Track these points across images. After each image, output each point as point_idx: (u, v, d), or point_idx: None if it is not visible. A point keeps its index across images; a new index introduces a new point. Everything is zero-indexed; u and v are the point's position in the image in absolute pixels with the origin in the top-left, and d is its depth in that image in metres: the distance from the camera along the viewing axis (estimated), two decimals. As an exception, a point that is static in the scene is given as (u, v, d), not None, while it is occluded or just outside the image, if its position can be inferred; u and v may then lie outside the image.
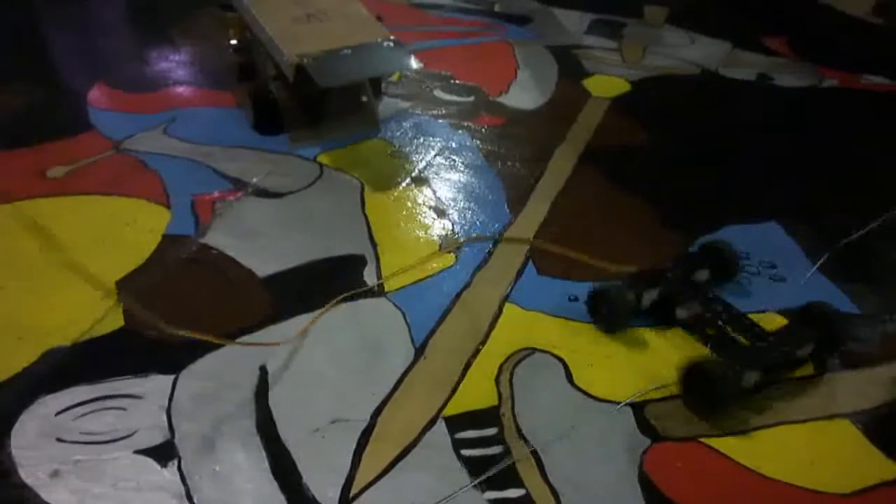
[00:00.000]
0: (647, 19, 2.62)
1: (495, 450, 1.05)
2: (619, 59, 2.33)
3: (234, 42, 1.88)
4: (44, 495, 0.97)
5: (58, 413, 1.08)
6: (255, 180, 1.64)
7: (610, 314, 1.26)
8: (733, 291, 1.38)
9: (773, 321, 1.31)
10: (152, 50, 2.26)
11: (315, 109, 1.79)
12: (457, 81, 2.15)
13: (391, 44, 1.67)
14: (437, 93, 2.08)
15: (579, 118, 1.98)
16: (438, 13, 2.63)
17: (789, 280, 1.42)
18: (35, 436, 1.05)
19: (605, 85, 2.16)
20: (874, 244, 1.54)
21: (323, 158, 1.75)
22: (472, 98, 2.05)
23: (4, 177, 1.63)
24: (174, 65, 2.18)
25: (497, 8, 2.68)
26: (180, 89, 2.05)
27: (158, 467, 1.01)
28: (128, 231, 1.49)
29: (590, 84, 2.16)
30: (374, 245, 1.47)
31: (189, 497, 0.97)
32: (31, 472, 1.00)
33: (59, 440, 1.04)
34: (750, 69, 2.29)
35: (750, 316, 1.29)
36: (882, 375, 1.22)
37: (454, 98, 2.05)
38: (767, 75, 2.24)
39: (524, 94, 2.09)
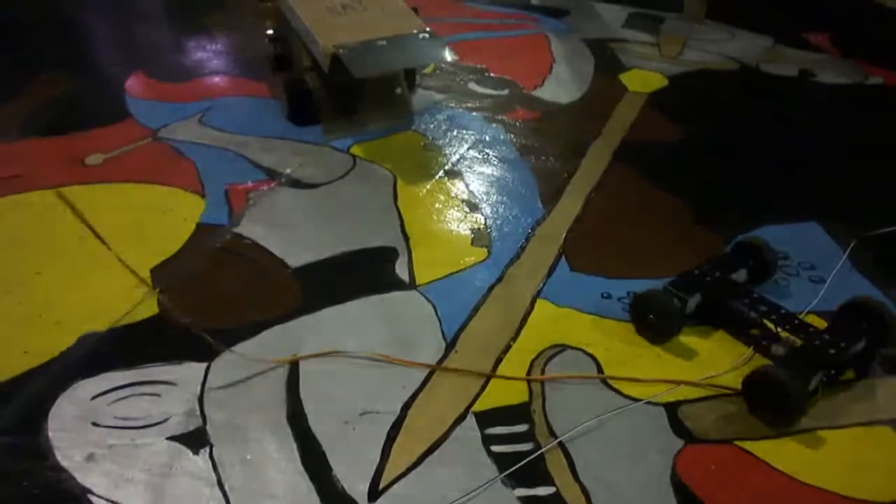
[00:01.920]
0: (687, 13, 2.57)
1: (525, 447, 1.05)
2: (657, 53, 2.30)
3: (269, 32, 1.88)
4: (79, 478, 0.98)
5: (93, 397, 1.10)
6: (288, 171, 1.65)
7: (661, 325, 1.23)
8: (771, 291, 1.35)
9: (816, 323, 1.28)
10: (189, 39, 2.29)
11: (349, 101, 1.79)
12: (491, 74, 2.13)
13: (427, 35, 1.66)
14: (472, 86, 2.07)
15: (615, 113, 1.96)
16: (474, 5, 2.61)
17: (829, 281, 1.39)
18: (72, 419, 1.06)
19: (642, 80, 2.13)
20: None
21: (356, 150, 1.75)
22: (506, 91, 2.04)
23: (44, 164, 1.66)
24: (210, 54, 2.20)
25: (534, 1, 2.66)
26: (216, 79, 2.07)
27: (191, 454, 1.02)
28: (163, 219, 1.50)
29: (626, 79, 2.13)
30: (406, 238, 1.46)
31: (220, 485, 0.98)
32: (67, 454, 1.02)
33: (94, 424, 1.06)
34: (792, 65, 2.23)
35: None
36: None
37: (488, 91, 2.04)
38: (810, 72, 2.19)
39: (559, 89, 2.07)
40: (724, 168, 1.76)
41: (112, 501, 0.95)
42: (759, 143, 1.88)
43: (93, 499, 0.96)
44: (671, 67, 2.20)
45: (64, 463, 1.00)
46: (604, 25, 2.48)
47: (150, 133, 1.79)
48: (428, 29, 1.69)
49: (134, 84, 2.02)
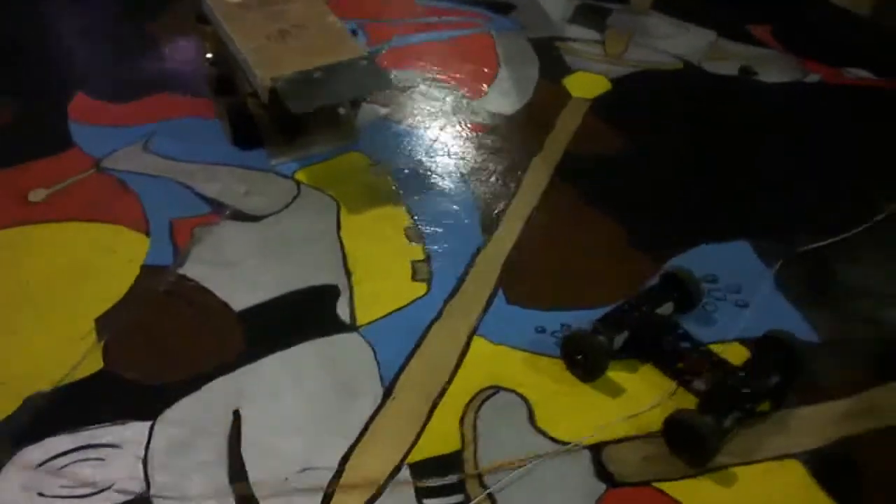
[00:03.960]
0: (633, 4, 2.58)
1: (456, 499, 1.11)
2: (602, 52, 2.31)
3: (209, 56, 1.87)
4: (28, 555, 1.03)
5: (38, 465, 1.13)
6: (231, 203, 1.66)
7: (588, 364, 1.29)
8: (698, 319, 1.41)
9: (736, 352, 1.34)
10: (133, 51, 2.25)
11: (293, 124, 1.80)
12: (436, 83, 2.14)
13: (366, 63, 1.66)
14: (416, 97, 2.08)
15: (558, 122, 1.98)
16: (423, 2, 2.59)
17: (752, 305, 1.45)
18: (18, 490, 1.10)
19: (586, 84, 2.15)
20: (838, 264, 1.56)
21: (301, 175, 1.76)
22: (451, 102, 2.05)
23: (-16, 202, 1.67)
24: (155, 69, 2.18)
25: (481, -6, 2.64)
26: (160, 97, 2.05)
27: (140, 525, 1.07)
28: (108, 261, 1.52)
29: (570, 83, 2.15)
30: (348, 274, 1.50)
31: (163, 554, 1.03)
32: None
33: (40, 495, 1.10)
34: (734, 62, 2.26)
35: (715, 346, 1.34)
36: (835, 410, 1.26)
37: (433, 103, 2.05)
38: (750, 69, 2.21)
39: (503, 98, 2.08)
40: (662, 183, 1.80)
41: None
42: (697, 152, 1.92)
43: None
44: (615, 69, 2.22)
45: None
46: (550, 22, 2.48)
47: (93, 163, 1.79)
48: (367, 54, 1.69)
49: (77, 107, 1.99)
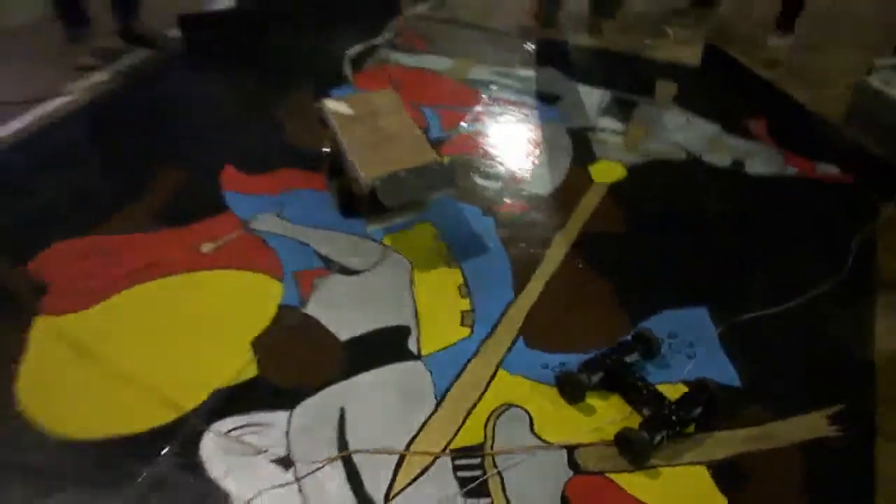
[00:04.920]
0: (657, 97, 3.17)
1: (477, 472, 1.77)
2: (623, 142, 2.93)
3: (326, 150, 2.58)
4: (223, 486, 1.74)
5: (222, 434, 1.85)
6: (338, 261, 2.36)
7: (573, 393, 1.93)
8: (657, 365, 2.03)
9: (678, 390, 1.96)
10: (264, 132, 2.99)
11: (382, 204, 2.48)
12: (491, 166, 2.80)
13: (439, 166, 2.34)
14: (474, 178, 2.74)
15: (580, 204, 2.62)
16: (487, 92, 3.25)
17: (698, 356, 2.06)
18: (213, 448, 1.82)
19: (606, 170, 2.77)
20: (773, 331, 2.15)
21: (386, 240, 2.45)
22: (499, 185, 2.71)
23: (172, 253, 2.40)
24: (282, 147, 2.90)
25: (534, 86, 3.29)
26: (288, 171, 2.77)
27: (283, 471, 1.77)
28: (256, 300, 2.23)
29: (594, 170, 2.78)
30: (416, 319, 2.18)
31: (302, 492, 1.72)
32: (212, 468, 1.77)
33: (225, 452, 1.81)
34: (728, 155, 2.84)
35: (664, 385, 1.96)
36: (739, 435, 1.86)
37: (486, 184, 2.71)
38: (741, 162, 2.79)
39: (541, 181, 2.73)
40: (646, 258, 2.41)
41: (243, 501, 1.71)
42: (682, 233, 2.52)
43: (231, 500, 1.72)
44: (631, 158, 2.83)
45: (212, 474, 1.76)
46: (586, 113, 3.10)
47: (242, 224, 2.52)
48: (441, 159, 2.37)
49: (226, 177, 2.74)
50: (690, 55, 3.41)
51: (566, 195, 2.67)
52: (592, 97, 3.21)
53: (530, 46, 3.62)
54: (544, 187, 2.70)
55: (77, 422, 1.88)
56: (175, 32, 3.60)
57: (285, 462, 1.79)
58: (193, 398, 1.93)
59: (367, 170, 2.32)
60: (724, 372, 2.02)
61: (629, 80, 3.31)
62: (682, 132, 2.99)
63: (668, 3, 3.84)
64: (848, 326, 2.17)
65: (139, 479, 1.74)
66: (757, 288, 2.29)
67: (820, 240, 2.49)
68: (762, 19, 3.49)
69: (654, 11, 3.81)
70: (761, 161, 2.82)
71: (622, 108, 3.13)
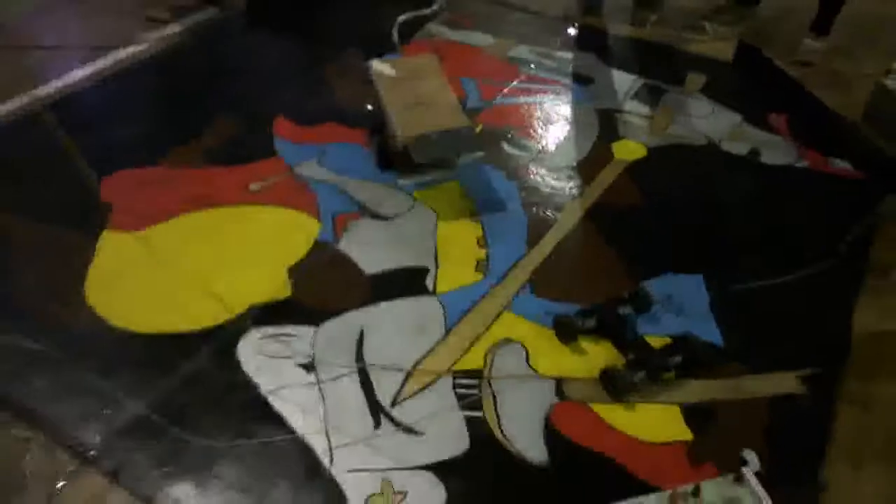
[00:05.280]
0: (686, 87, 3.34)
1: (474, 391, 2.00)
2: (648, 125, 3.11)
3: (369, 107, 2.82)
4: (254, 379, 2.00)
5: (259, 338, 2.12)
6: (371, 207, 2.61)
7: (565, 334, 2.16)
8: (648, 320, 2.23)
9: (664, 343, 2.16)
10: (314, 89, 3.25)
11: (414, 161, 2.72)
12: (522, 137, 3.01)
13: (467, 130, 2.57)
14: (505, 146, 2.96)
15: (598, 176, 2.82)
16: (526, 70, 3.46)
17: (686, 316, 2.25)
18: (249, 349, 2.09)
19: (628, 149, 2.96)
20: (762, 302, 2.33)
21: (416, 194, 2.69)
22: (526, 153, 2.92)
23: (223, 188, 2.68)
24: (328, 104, 3.16)
25: (570, 68, 3.49)
26: (332, 125, 3.03)
27: (306, 373, 2.03)
28: (295, 234, 2.50)
29: (616, 148, 2.97)
30: (436, 261, 2.41)
31: (321, 391, 1.98)
32: (247, 367, 2.04)
33: (259, 353, 2.08)
34: (746, 143, 3.00)
35: (650, 337, 2.16)
36: (713, 385, 2.06)
37: (514, 152, 2.93)
38: (756, 151, 2.96)
39: (565, 154, 2.93)
40: (655, 229, 2.60)
41: (271, 393, 1.97)
42: (689, 210, 2.70)
43: (259, 392, 1.98)
44: (653, 140, 3.02)
45: (247, 371, 2.03)
46: (615, 96, 3.29)
47: (288, 168, 2.79)
48: (468, 124, 2.60)
49: (277, 126, 3.02)
50: (723, 50, 3.56)
51: (587, 168, 2.86)
52: (624, 82, 3.39)
53: (572, 31, 3.81)
54: (567, 159, 2.91)
55: (133, 319, 2.17)
56: (241, -6, 3.88)
57: (308, 367, 2.05)
58: (234, 309, 2.20)
59: (403, 128, 2.55)
60: (710, 333, 2.21)
61: (661, 69, 3.48)
62: (706, 120, 3.15)
63: (710, 0, 3.99)
64: (832, 304, 2.34)
65: (182, 369, 2.02)
66: (754, 264, 2.46)
67: (821, 226, 2.64)
68: (801, 22, 3.62)
69: (696, 7, 3.95)
70: (776, 152, 2.97)
71: (651, 94, 3.31)
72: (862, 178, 2.86)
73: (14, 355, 2.05)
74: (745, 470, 1.62)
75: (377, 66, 2.74)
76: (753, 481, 1.57)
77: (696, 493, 1.55)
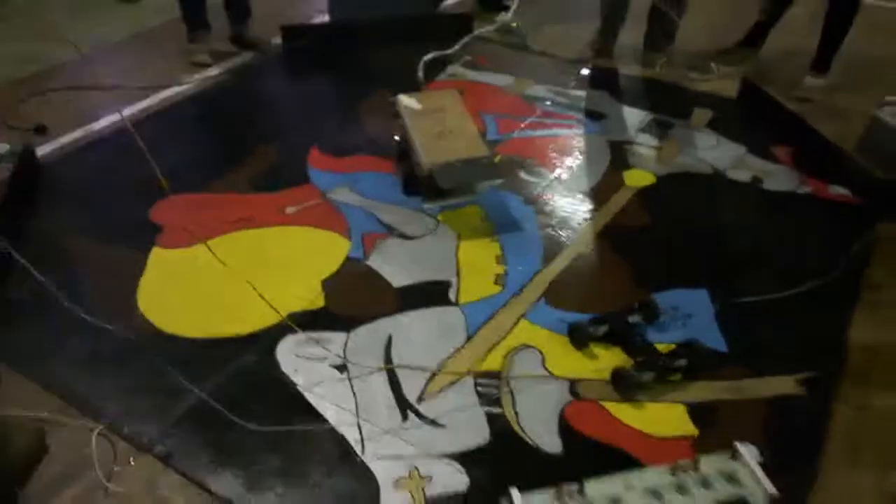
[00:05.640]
0: (693, 121, 3.56)
1: (494, 389, 2.17)
2: (657, 155, 3.31)
3: (397, 138, 3.06)
4: (292, 379, 2.19)
5: (296, 343, 2.31)
6: (397, 228, 2.83)
7: (579, 340, 2.33)
8: (656, 328, 2.40)
9: (669, 348, 2.32)
10: (347, 123, 3.51)
11: (438, 187, 2.94)
12: (538, 166, 3.23)
13: (487, 160, 2.79)
14: (521, 173, 3.18)
15: (610, 201, 3.02)
16: (542, 105, 3.70)
17: (693, 326, 2.42)
18: (287, 351, 2.28)
19: (638, 177, 3.16)
20: (764, 314, 2.48)
21: (440, 216, 2.90)
22: (542, 181, 3.14)
23: (263, 211, 2.92)
24: (360, 136, 3.42)
25: (583, 104, 3.72)
26: (363, 157, 3.27)
27: (339, 374, 2.21)
28: (328, 251, 2.71)
29: (627, 175, 3.18)
30: (458, 276, 2.61)
31: (352, 389, 2.16)
32: (287, 369, 2.23)
33: (296, 356, 2.27)
34: (748, 171, 3.19)
35: (658, 344, 2.32)
36: (716, 386, 2.21)
37: (531, 179, 3.14)
38: (759, 178, 3.14)
39: (578, 181, 3.14)
40: (663, 247, 2.78)
41: (307, 389, 2.16)
42: (694, 230, 2.88)
43: (297, 388, 2.17)
44: (661, 168, 3.22)
45: (285, 371, 2.22)
46: (627, 129, 3.51)
47: (321, 194, 3.02)
48: (489, 154, 2.82)
49: (312, 157, 3.26)
50: (728, 88, 3.78)
51: (599, 194, 3.07)
52: (634, 117, 3.61)
53: (586, 72, 4.06)
54: (581, 186, 3.11)
55: (179, 325, 2.38)
56: (278, 40, 4.19)
57: (341, 368, 2.23)
58: (273, 318, 2.39)
59: (428, 156, 2.78)
60: (715, 340, 2.37)
61: (669, 105, 3.70)
62: (711, 151, 3.35)
63: (717, 41, 4.23)
64: (830, 316, 2.49)
65: (227, 369, 2.22)
66: (757, 280, 2.63)
67: (821, 246, 2.80)
68: (801, 63, 3.84)
69: (702, 50, 4.20)
70: (778, 179, 3.15)
71: (660, 128, 3.52)
72: (860, 203, 3.03)
73: (79, 357, 2.26)
74: (740, 446, 1.76)
75: (403, 99, 2.99)
76: (748, 457, 1.71)
77: (695, 465, 1.70)
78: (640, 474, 1.71)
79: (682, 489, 1.64)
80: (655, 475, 1.69)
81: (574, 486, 1.64)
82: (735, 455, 1.75)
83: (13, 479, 1.88)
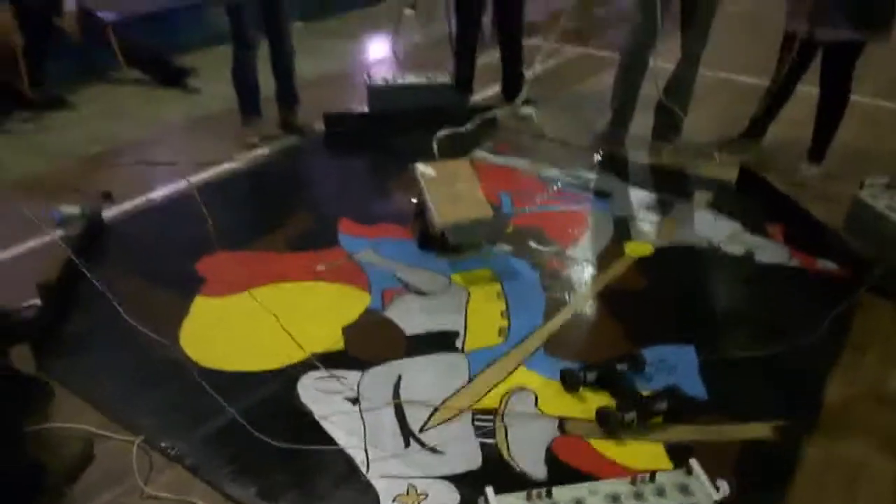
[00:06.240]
0: (693, 201, 3.85)
1: (489, 424, 2.41)
2: (656, 230, 3.60)
3: (414, 200, 3.42)
4: (310, 408, 2.46)
5: (315, 379, 2.59)
6: (414, 285, 3.14)
7: (569, 384, 2.57)
8: (642, 377, 2.62)
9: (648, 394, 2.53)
10: (377, 197, 3.90)
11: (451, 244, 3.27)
12: (547, 237, 3.54)
13: (491, 222, 3.13)
14: (531, 242, 3.49)
15: (610, 268, 3.29)
16: (554, 185, 4.04)
17: (677, 376, 2.63)
18: (308, 385, 2.56)
19: (638, 248, 3.44)
20: (746, 368, 2.69)
21: (454, 277, 3.21)
22: (549, 249, 3.43)
23: (296, 268, 3.26)
24: (387, 209, 3.79)
25: (591, 185, 4.06)
26: (387, 225, 3.63)
27: (351, 405, 2.48)
28: (350, 303, 3.02)
29: (627, 246, 3.46)
30: (465, 327, 2.88)
31: (363, 418, 2.42)
32: (306, 399, 2.51)
33: (316, 390, 2.55)
34: (742, 246, 3.45)
35: (643, 391, 2.54)
36: (694, 428, 2.41)
37: (539, 247, 3.44)
38: (752, 252, 3.40)
39: (582, 250, 3.43)
40: (655, 309, 3.03)
41: (322, 418, 2.42)
42: (689, 296, 3.12)
43: (313, 416, 2.43)
44: (661, 241, 3.50)
45: (304, 400, 2.50)
46: (630, 207, 3.82)
47: (347, 255, 3.37)
48: (494, 216, 3.16)
49: (342, 224, 3.63)
50: (728, 173, 4.09)
51: (601, 261, 3.35)
52: (639, 196, 3.92)
53: (597, 157, 4.42)
54: (584, 254, 3.40)
55: (215, 360, 2.69)
56: (321, 126, 4.66)
57: (353, 401, 2.50)
58: (298, 356, 2.69)
59: (441, 217, 3.13)
60: (696, 388, 2.58)
61: (672, 187, 4.02)
62: (708, 228, 3.62)
63: (721, 133, 4.57)
64: (810, 373, 2.68)
65: (254, 396, 2.50)
66: (742, 339, 2.84)
67: (807, 313, 3.01)
68: (799, 152, 4.16)
69: (707, 141, 4.54)
70: (770, 253, 3.40)
71: (661, 206, 3.82)
72: (845, 276, 3.25)
73: (123, 381, 2.58)
74: (693, 462, 1.96)
75: (420, 167, 3.39)
76: (700, 472, 1.91)
77: (652, 478, 1.90)
78: (603, 484, 1.92)
79: (639, 496, 1.84)
80: (617, 484, 1.90)
81: (543, 490, 1.86)
82: (689, 471, 1.94)
83: (65, 479, 2.17)
